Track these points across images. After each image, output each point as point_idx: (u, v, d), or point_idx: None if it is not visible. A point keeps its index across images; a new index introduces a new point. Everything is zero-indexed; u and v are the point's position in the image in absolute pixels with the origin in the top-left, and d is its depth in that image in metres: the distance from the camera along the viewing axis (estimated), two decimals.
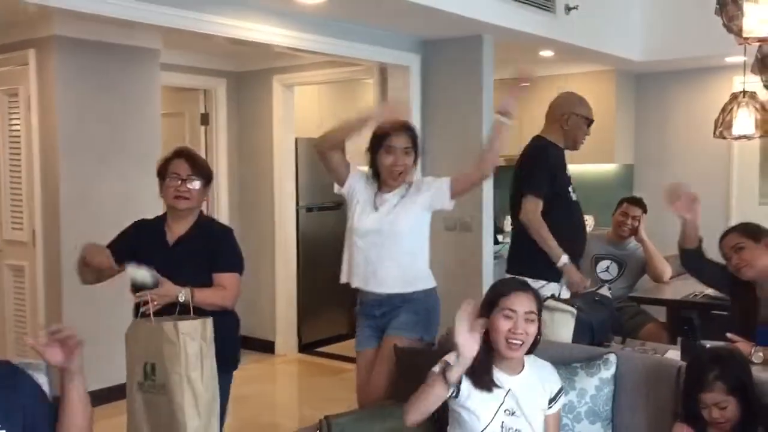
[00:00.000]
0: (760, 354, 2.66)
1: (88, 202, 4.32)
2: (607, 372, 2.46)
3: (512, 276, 3.08)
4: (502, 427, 2.19)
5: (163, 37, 4.66)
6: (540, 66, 6.09)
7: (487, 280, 4.61)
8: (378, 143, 2.88)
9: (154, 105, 4.69)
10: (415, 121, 4.72)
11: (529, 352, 2.28)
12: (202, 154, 5.38)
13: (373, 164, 2.94)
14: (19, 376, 1.99)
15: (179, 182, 2.63)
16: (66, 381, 1.88)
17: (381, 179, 2.93)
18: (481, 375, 2.19)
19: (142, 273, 2.49)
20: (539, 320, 2.26)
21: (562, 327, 2.82)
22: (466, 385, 2.19)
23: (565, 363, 2.50)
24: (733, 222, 5.89)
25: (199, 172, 2.67)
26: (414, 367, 2.69)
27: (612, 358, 2.49)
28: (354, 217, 2.95)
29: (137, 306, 2.52)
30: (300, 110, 5.93)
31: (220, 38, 3.80)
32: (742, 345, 2.71)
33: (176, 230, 2.69)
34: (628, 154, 6.36)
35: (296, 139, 5.80)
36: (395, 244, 2.89)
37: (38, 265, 4.36)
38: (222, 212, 5.62)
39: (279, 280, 5.73)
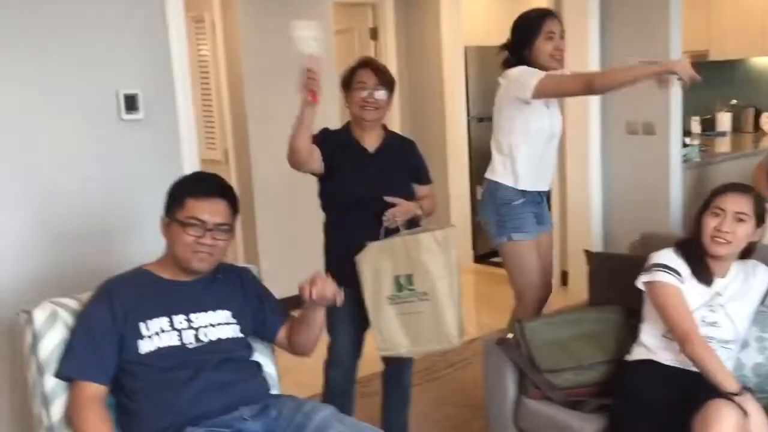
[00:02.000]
0: None
1: (273, 121, 4.52)
2: None
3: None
4: (702, 319, 2.20)
5: None
6: None
7: (675, 187, 4.35)
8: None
9: (327, 22, 4.75)
10: (592, 21, 4.43)
11: (745, 257, 2.21)
12: None
13: None
14: (244, 276, 2.19)
15: (366, 93, 2.61)
16: (313, 310, 2.13)
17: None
18: (699, 268, 2.24)
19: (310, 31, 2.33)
20: (759, 225, 2.20)
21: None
22: (685, 271, 2.23)
23: None
24: None
25: (385, 81, 2.64)
26: (611, 271, 2.65)
27: None
28: (544, 119, 2.88)
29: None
30: (468, 19, 5.78)
31: None
32: None
33: (369, 141, 2.68)
34: None
35: (465, 48, 5.68)
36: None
37: (232, 182, 4.67)
38: (394, 124, 5.68)
39: (452, 191, 5.76)
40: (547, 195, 3.11)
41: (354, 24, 5.80)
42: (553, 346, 2.40)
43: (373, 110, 2.62)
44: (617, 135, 4.51)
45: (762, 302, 2.26)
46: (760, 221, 2.22)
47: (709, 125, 6.21)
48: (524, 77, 2.78)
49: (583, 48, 4.44)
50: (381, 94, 2.62)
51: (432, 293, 2.50)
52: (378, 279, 2.51)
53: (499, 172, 2.93)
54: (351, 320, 2.67)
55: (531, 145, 2.89)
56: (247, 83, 4.47)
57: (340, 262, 2.62)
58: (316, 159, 2.57)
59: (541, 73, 2.76)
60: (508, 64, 2.93)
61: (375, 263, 2.51)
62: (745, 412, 1.89)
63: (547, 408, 2.38)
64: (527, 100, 2.77)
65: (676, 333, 2.15)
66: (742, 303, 2.24)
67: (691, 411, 1.94)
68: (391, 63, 5.75)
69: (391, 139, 2.73)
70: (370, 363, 2.93)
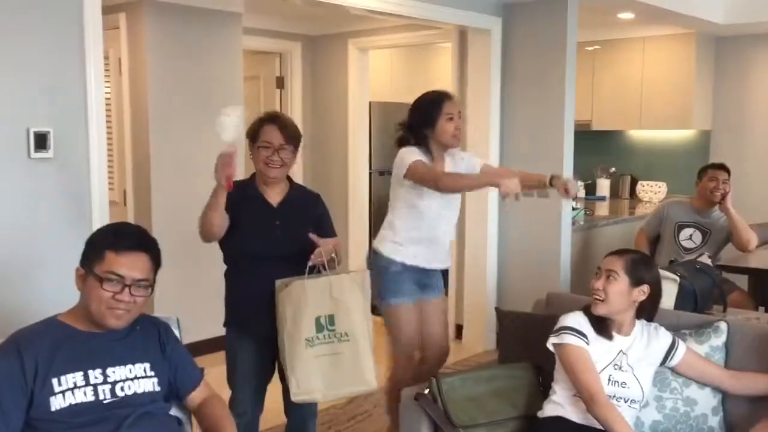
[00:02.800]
0: None
1: (177, 164, 4.43)
2: (718, 340, 2.48)
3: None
4: (608, 379, 2.33)
5: (243, 1, 4.69)
6: (618, 29, 5.99)
7: (565, 248, 4.61)
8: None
9: (237, 69, 4.75)
10: (494, 91, 4.69)
11: (646, 317, 2.39)
12: None
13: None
14: (162, 330, 2.12)
15: (270, 151, 2.59)
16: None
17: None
18: (600, 326, 2.39)
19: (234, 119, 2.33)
20: (637, 285, 2.37)
21: (665, 294, 2.82)
22: (591, 332, 2.37)
23: (673, 330, 2.52)
24: None
25: (291, 138, 2.63)
26: (519, 329, 2.76)
27: (723, 326, 2.50)
28: (434, 198, 3.03)
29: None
30: (373, 75, 5.94)
31: (299, 0, 3.80)
32: None
33: (273, 194, 2.68)
34: (705, 120, 6.23)
35: (370, 103, 5.82)
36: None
37: None
38: (297, 172, 5.70)
39: (352, 242, 5.81)
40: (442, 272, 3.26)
41: (260, 71, 5.82)
42: (467, 401, 2.47)
43: (278, 168, 2.62)
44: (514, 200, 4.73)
45: (662, 363, 2.43)
46: (638, 282, 2.37)
47: (590, 190, 6.63)
48: (405, 157, 2.97)
49: (484, 121, 4.68)
50: (286, 153, 2.62)
51: (352, 334, 2.53)
52: (298, 319, 2.50)
53: (380, 240, 3.11)
54: (254, 372, 2.66)
55: (414, 223, 3.04)
56: (153, 124, 4.37)
57: (242, 313, 2.63)
58: (226, 225, 2.56)
59: (415, 157, 2.94)
60: (404, 141, 3.08)
61: (296, 302, 2.50)
62: None
63: None
64: (401, 181, 2.98)
65: (582, 394, 2.28)
66: (647, 363, 2.39)
67: None
68: (297, 112, 5.80)
69: (296, 192, 2.74)
70: (273, 415, 2.91)
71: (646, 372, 2.37)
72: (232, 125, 2.32)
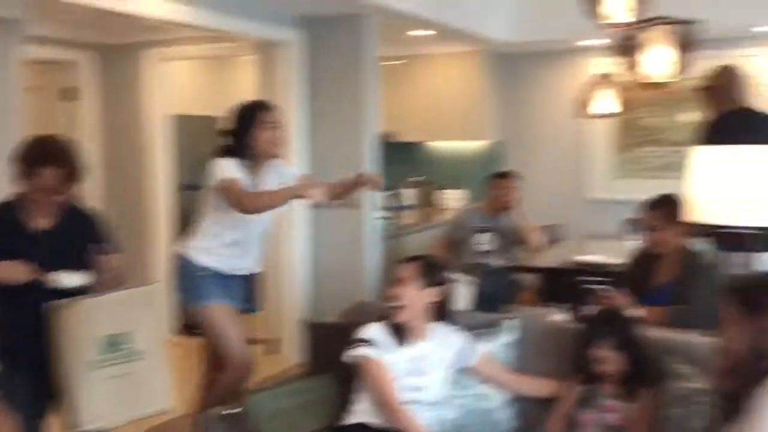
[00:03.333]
0: (637, 311, 2.95)
1: None
2: (510, 337, 2.64)
3: None
4: (407, 386, 2.39)
5: (26, 7, 4.34)
6: (418, 45, 6.25)
7: (374, 256, 4.73)
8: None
9: (15, 79, 4.36)
10: (299, 105, 4.73)
11: (442, 318, 2.48)
12: (67, 131, 5.09)
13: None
14: None
15: (45, 184, 2.41)
16: None
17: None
18: (397, 334, 2.45)
19: (73, 278, 2.40)
20: (432, 288, 2.46)
21: (462, 297, 2.99)
22: (387, 341, 2.40)
23: (467, 330, 2.65)
24: (591, 192, 6.43)
25: (67, 168, 2.44)
26: (327, 339, 2.78)
27: (514, 323, 2.68)
28: None
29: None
30: (175, 86, 5.73)
31: (87, 8, 3.59)
32: (620, 299, 3.00)
33: (41, 219, 2.49)
34: (496, 131, 6.68)
35: (171, 117, 5.60)
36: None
37: None
38: (94, 188, 5.35)
39: (152, 259, 5.53)
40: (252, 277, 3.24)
41: (49, 82, 5.41)
42: (276, 417, 2.44)
43: (51, 197, 2.46)
44: (325, 210, 4.80)
45: (457, 364, 2.52)
46: (430, 284, 2.47)
47: (397, 199, 6.86)
48: (218, 171, 2.94)
49: (291, 136, 4.68)
50: (64, 187, 2.46)
51: (147, 352, 2.44)
52: (77, 342, 2.36)
53: (187, 245, 3.07)
54: (29, 409, 2.46)
55: (221, 228, 3.02)
56: None
57: (12, 343, 2.47)
58: None
59: (228, 173, 2.92)
60: (225, 150, 3.02)
61: (75, 325, 2.35)
62: None
63: None
64: (211, 189, 2.96)
65: (378, 404, 2.34)
66: (443, 366, 2.49)
67: None
68: (88, 125, 5.46)
69: (69, 213, 2.58)
70: None
71: (442, 375, 2.47)
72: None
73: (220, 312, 3.01)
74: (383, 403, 2.32)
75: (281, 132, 3.06)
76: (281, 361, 4.83)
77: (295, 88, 4.70)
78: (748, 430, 1.65)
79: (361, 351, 2.39)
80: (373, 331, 2.43)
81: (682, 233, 3.14)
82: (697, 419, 2.11)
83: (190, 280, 2.99)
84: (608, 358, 2.35)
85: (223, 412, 2.48)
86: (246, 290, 3.17)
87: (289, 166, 3.29)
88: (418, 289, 2.43)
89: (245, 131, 2.98)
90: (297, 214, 4.75)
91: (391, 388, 2.35)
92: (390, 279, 2.51)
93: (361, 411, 2.42)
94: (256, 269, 3.24)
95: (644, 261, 3.27)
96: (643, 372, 2.36)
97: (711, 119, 3.84)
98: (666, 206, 3.15)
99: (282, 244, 4.85)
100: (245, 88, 5.33)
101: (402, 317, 2.43)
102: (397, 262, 2.54)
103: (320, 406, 2.55)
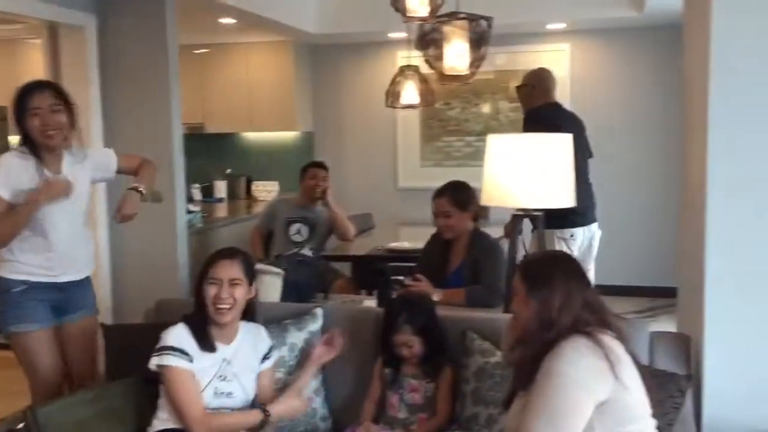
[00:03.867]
0: (438, 295, 3.09)
1: None
2: (315, 325, 2.65)
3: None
4: (214, 392, 2.29)
5: None
6: (225, 34, 6.10)
7: (182, 252, 4.55)
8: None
9: None
10: (93, 93, 4.41)
11: (247, 317, 2.40)
12: None
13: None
14: None
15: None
16: None
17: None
18: (204, 339, 2.32)
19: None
20: (250, 285, 2.38)
21: (271, 288, 2.95)
22: (194, 347, 2.28)
23: (277, 321, 2.64)
24: (401, 181, 6.64)
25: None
26: (127, 342, 2.62)
27: (318, 312, 2.69)
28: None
29: None
30: None
31: None
32: (424, 285, 3.12)
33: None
34: (307, 122, 6.70)
35: None
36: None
37: None
38: None
39: None
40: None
41: None
42: (72, 428, 2.26)
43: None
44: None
45: (261, 361, 2.45)
46: (251, 280, 2.41)
47: (208, 192, 6.68)
48: None
49: (85, 125, 4.35)
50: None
51: None
52: None
53: None
54: None
55: (25, 231, 2.70)
56: None
57: None
58: None
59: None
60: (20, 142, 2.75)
61: None
62: None
63: None
64: None
65: (182, 418, 2.22)
66: (250, 369, 2.40)
67: None
68: None
69: None
70: None
71: (250, 378, 2.39)
72: None
73: (28, 340, 2.72)
74: (188, 418, 2.20)
75: (54, 117, 2.66)
76: None
77: (87, 75, 4.38)
78: (535, 395, 1.76)
79: (168, 360, 2.24)
80: (179, 337, 2.29)
81: (470, 217, 3.33)
82: (497, 391, 2.23)
83: (1, 299, 2.68)
84: (407, 342, 2.42)
85: (8, 428, 2.26)
86: (72, 296, 2.84)
87: (103, 150, 3.03)
88: (246, 288, 2.35)
89: (19, 120, 2.69)
90: (95, 209, 4.45)
91: (197, 402, 2.23)
92: (213, 278, 2.32)
93: (167, 418, 2.30)
94: (86, 273, 2.89)
95: (438, 246, 3.43)
96: (442, 352, 2.46)
97: (526, 113, 4.19)
98: (454, 192, 3.32)
99: None
100: (34, 74, 4.91)
101: (229, 319, 2.32)
102: (218, 259, 2.36)
103: (124, 411, 2.40)
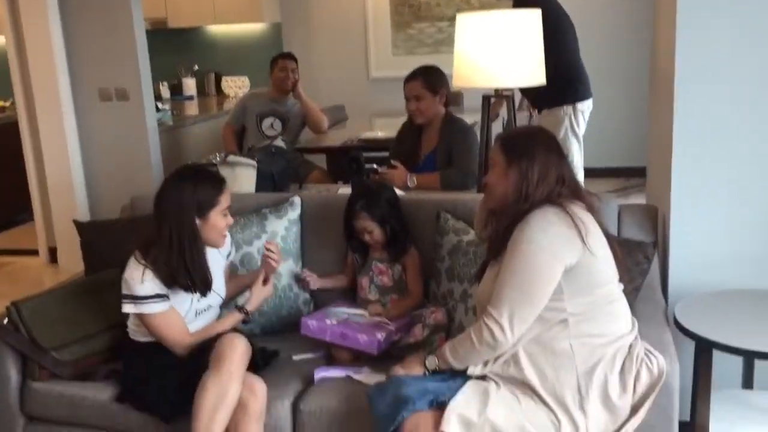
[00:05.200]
0: (414, 179, 3.12)
1: None
2: (294, 213, 2.67)
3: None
4: (195, 314, 2.28)
5: None
6: None
7: (154, 150, 4.50)
8: None
9: None
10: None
11: None
12: None
13: None
14: None
15: None
16: None
17: None
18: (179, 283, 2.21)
19: None
20: None
21: (245, 180, 2.95)
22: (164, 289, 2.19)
23: (255, 210, 2.66)
24: (373, 71, 6.54)
25: None
26: (105, 238, 2.63)
27: (296, 200, 2.70)
28: None
29: None
30: None
31: None
32: (400, 171, 3.14)
33: None
34: (274, 13, 6.49)
35: None
36: None
37: None
38: None
39: None
40: None
41: None
42: (56, 322, 2.31)
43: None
44: (91, 103, 4.45)
45: (227, 258, 2.46)
46: None
47: (177, 90, 6.54)
48: None
49: (43, 31, 4.24)
50: None
51: None
52: None
53: None
54: None
55: None
56: None
57: None
58: None
59: None
60: None
61: None
62: None
63: (56, 386, 2.29)
64: None
65: (169, 347, 2.19)
66: (221, 265, 2.38)
67: (198, 354, 2.11)
68: None
69: None
70: None
71: (221, 280, 2.37)
72: None
73: None
74: (172, 346, 2.19)
75: None
76: (61, 272, 4.55)
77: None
78: (507, 263, 1.82)
79: (150, 308, 2.15)
80: (150, 280, 2.14)
81: (442, 102, 3.31)
82: (470, 267, 2.29)
83: None
84: (366, 227, 2.46)
85: None
86: None
87: None
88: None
89: None
90: (60, 112, 4.37)
91: (181, 332, 2.20)
92: (225, 208, 2.23)
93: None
94: None
95: (411, 132, 3.43)
96: (405, 236, 2.49)
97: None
98: (425, 75, 3.28)
99: (47, 144, 4.49)
100: None
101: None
102: (224, 187, 2.23)
103: (105, 303, 2.41)
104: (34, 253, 4.93)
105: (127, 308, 2.17)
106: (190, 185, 2.17)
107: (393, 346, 2.31)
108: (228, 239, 2.39)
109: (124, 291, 2.17)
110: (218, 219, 2.20)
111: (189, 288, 2.17)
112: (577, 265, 1.81)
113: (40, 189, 4.72)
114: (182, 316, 2.22)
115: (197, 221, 2.17)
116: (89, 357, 2.33)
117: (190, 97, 6.48)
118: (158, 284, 2.15)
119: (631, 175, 5.84)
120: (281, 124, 4.49)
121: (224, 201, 2.22)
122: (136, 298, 2.15)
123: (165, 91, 6.43)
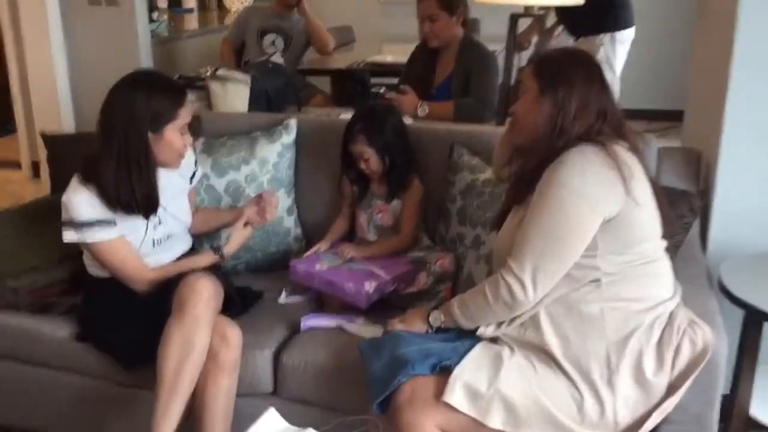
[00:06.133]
0: (425, 107, 2.80)
1: None
2: (288, 137, 2.38)
3: None
4: (153, 243, 1.99)
5: None
6: None
7: (145, 62, 4.17)
8: None
9: None
10: None
11: None
12: None
13: None
14: None
15: None
16: None
17: None
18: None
19: None
20: None
21: (237, 97, 2.64)
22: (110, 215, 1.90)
23: (245, 132, 2.37)
24: None
25: None
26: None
27: (292, 123, 2.40)
28: None
29: None
30: None
31: None
32: (410, 98, 2.82)
33: None
34: None
35: None
36: None
37: None
38: None
39: None
40: None
41: None
42: (13, 246, 2.05)
43: None
44: (79, 8, 4.10)
45: (190, 182, 2.15)
46: None
47: (175, 2, 6.15)
48: None
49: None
50: None
51: None
52: None
53: None
54: None
55: None
56: None
57: None
58: None
59: None
60: None
61: None
62: None
63: (12, 318, 2.06)
64: None
65: (123, 281, 1.92)
66: (183, 189, 2.10)
67: (165, 295, 1.82)
68: None
69: None
70: None
71: (183, 203, 2.08)
72: None
73: None
74: (130, 279, 1.91)
75: None
76: (44, 188, 4.28)
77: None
78: (534, 208, 1.54)
79: (93, 236, 1.86)
80: (90, 202, 1.86)
81: (459, 23, 2.95)
82: (485, 210, 2.02)
83: None
84: (362, 153, 2.15)
85: None
86: None
87: None
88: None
89: None
90: (46, 17, 4.03)
91: (133, 264, 1.92)
92: (183, 125, 1.92)
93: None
94: None
95: (424, 56, 3.08)
96: (408, 168, 2.20)
97: None
98: None
99: (30, 53, 4.17)
100: None
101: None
102: (185, 100, 1.92)
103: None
104: (17, 165, 4.68)
105: (68, 236, 1.87)
106: (144, 93, 1.84)
107: (392, 296, 2.04)
108: (191, 158, 2.09)
109: (64, 216, 1.87)
110: (175, 136, 1.88)
111: (132, 208, 1.85)
112: (617, 217, 1.52)
113: (23, 99, 4.44)
114: (137, 246, 1.93)
115: (149, 135, 1.85)
116: (48, 287, 2.08)
117: (190, 10, 6.09)
118: (102, 208, 1.85)
119: (654, 118, 5.49)
120: (283, 41, 4.14)
121: (184, 115, 1.89)
122: (76, 225, 1.85)
123: (162, 2, 6.03)
